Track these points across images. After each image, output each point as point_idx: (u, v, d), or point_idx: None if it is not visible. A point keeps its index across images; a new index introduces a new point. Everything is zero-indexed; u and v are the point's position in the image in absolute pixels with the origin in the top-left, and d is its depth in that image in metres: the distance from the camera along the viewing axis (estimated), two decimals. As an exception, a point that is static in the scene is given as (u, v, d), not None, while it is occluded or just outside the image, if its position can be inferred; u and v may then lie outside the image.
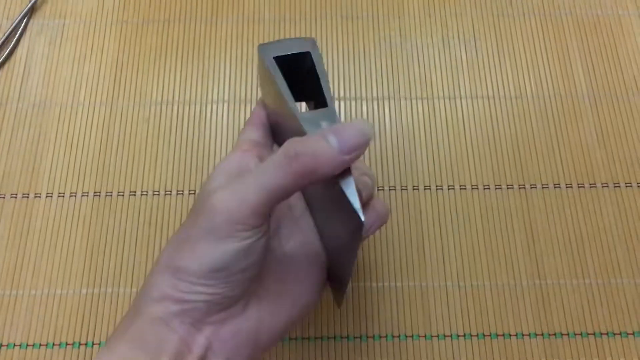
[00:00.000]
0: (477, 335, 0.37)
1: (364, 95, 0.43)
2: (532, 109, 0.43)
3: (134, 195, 0.40)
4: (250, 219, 0.23)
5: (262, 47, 0.27)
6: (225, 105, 0.43)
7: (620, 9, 0.46)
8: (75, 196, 0.40)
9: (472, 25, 0.46)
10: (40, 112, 0.43)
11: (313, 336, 0.37)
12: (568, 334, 0.37)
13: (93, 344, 0.36)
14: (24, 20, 0.45)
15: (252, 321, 0.26)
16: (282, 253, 0.28)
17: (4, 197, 0.40)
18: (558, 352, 0.36)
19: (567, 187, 0.41)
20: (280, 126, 0.30)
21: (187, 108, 0.43)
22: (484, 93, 0.43)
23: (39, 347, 0.36)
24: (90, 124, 0.42)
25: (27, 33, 0.45)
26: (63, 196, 0.40)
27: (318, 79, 0.26)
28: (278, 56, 0.26)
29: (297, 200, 0.30)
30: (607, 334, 0.37)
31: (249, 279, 0.25)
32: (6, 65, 0.44)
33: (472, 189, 0.41)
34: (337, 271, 0.28)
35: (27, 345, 0.36)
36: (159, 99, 0.43)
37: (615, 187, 0.41)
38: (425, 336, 0.37)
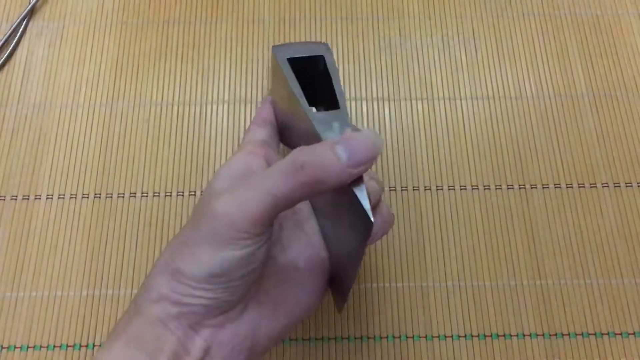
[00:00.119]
0: (478, 335, 0.37)
1: (364, 95, 0.43)
2: (532, 109, 0.43)
3: (134, 196, 0.40)
4: (252, 228, 0.23)
5: (276, 49, 0.27)
6: (225, 105, 0.43)
7: (619, 9, 0.46)
8: (75, 198, 0.40)
9: (471, 26, 0.46)
10: (40, 113, 0.43)
11: (314, 337, 0.37)
12: (569, 334, 0.37)
13: (94, 345, 0.36)
14: (24, 22, 0.45)
15: (250, 324, 0.26)
16: (284, 257, 0.27)
17: (4, 199, 0.40)
18: (559, 352, 0.36)
19: (567, 187, 0.41)
20: (290, 126, 0.30)
21: (187, 109, 0.43)
22: (484, 93, 0.43)
23: (40, 349, 0.36)
24: (90, 126, 0.42)
25: (27, 35, 0.45)
26: (63, 198, 0.40)
27: (330, 82, 0.26)
28: (292, 58, 0.26)
29: (302, 204, 0.29)
30: (608, 334, 0.37)
31: (248, 284, 0.25)
32: (6, 67, 0.44)
33: (473, 189, 0.41)
34: (341, 277, 0.28)
35: (28, 347, 0.36)
36: (159, 99, 0.43)
37: (615, 187, 0.41)
38: (426, 337, 0.37)
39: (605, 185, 0.41)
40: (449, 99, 0.43)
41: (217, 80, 0.44)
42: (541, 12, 0.46)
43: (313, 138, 0.25)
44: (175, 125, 0.43)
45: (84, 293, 0.38)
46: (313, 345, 0.37)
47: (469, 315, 0.37)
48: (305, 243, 0.28)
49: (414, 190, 0.41)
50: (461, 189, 0.41)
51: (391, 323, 0.37)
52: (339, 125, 0.25)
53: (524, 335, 0.37)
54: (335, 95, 0.26)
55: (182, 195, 0.40)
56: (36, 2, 0.46)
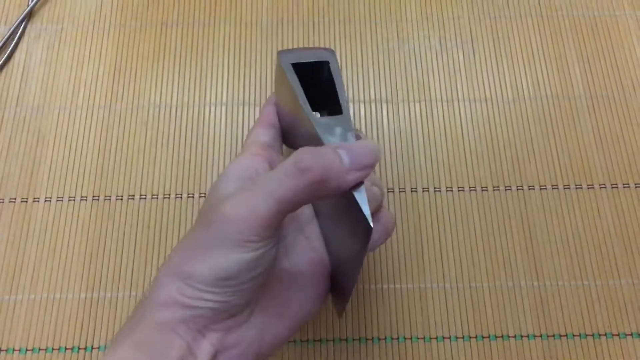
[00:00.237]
0: (476, 337, 0.37)
1: (362, 97, 0.43)
2: (530, 110, 0.43)
3: (133, 199, 0.40)
4: (262, 231, 0.23)
5: (282, 54, 0.27)
6: (224, 108, 0.43)
7: (617, 10, 0.46)
8: (74, 200, 0.40)
9: (469, 28, 0.46)
10: (39, 116, 0.43)
11: (312, 339, 0.37)
12: (567, 335, 0.37)
13: (92, 348, 0.36)
14: (22, 25, 0.45)
15: (257, 329, 0.26)
16: (287, 262, 0.28)
17: (2, 202, 0.40)
18: (557, 353, 0.36)
19: (565, 189, 0.41)
20: (293, 129, 0.30)
21: (185, 111, 0.43)
22: (482, 95, 0.44)
23: (38, 352, 0.36)
24: (89, 128, 0.43)
25: (25, 38, 0.46)
26: (62, 200, 0.40)
27: (334, 87, 0.26)
28: (296, 63, 0.27)
29: (304, 208, 0.29)
30: (605, 334, 0.37)
31: (256, 287, 0.25)
32: (4, 70, 0.44)
33: (470, 190, 0.41)
34: (341, 281, 0.28)
35: (26, 350, 0.36)
36: (157, 102, 0.43)
37: (613, 188, 0.41)
38: (424, 338, 0.37)
39: (603, 186, 0.41)
40: (447, 101, 0.43)
41: (216, 82, 0.44)
42: (539, 13, 0.46)
43: (316, 142, 0.25)
44: (174, 127, 0.43)
45: (83, 296, 0.38)
46: (311, 346, 0.37)
47: (467, 317, 0.37)
48: (307, 247, 0.28)
49: (412, 191, 0.41)
50: (459, 191, 0.41)
51: (389, 324, 0.37)
52: (342, 130, 0.25)
53: (521, 337, 0.37)
54: (339, 100, 0.26)
55: (181, 197, 0.40)
56: (34, 5, 0.46)
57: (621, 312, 0.37)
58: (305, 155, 0.23)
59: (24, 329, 0.37)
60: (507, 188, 0.41)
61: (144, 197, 0.40)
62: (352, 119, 0.26)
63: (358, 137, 0.26)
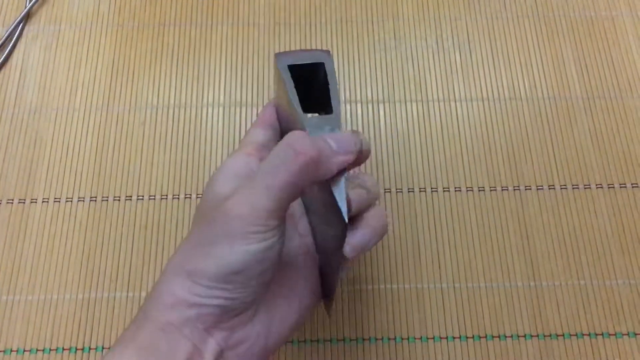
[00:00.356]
0: (473, 337, 0.37)
1: (358, 98, 0.44)
2: (527, 110, 0.43)
3: (130, 199, 0.40)
4: (267, 220, 0.24)
5: (279, 56, 0.28)
6: (221, 109, 0.43)
7: (613, 11, 0.46)
8: (71, 201, 0.40)
9: (466, 28, 0.46)
10: (36, 117, 0.43)
11: (309, 339, 0.37)
12: (563, 335, 0.37)
13: (90, 349, 0.36)
14: (20, 26, 0.45)
15: (261, 327, 0.26)
16: (287, 256, 0.28)
17: (0, 203, 0.40)
18: (553, 353, 0.36)
19: (561, 189, 0.41)
20: (291, 130, 0.30)
21: (182, 112, 0.43)
22: (478, 95, 0.44)
23: (36, 353, 0.36)
24: (86, 129, 0.43)
25: (23, 39, 0.46)
26: (59, 201, 0.40)
27: (328, 88, 0.27)
28: (292, 65, 0.27)
29: (295, 205, 0.30)
30: (602, 334, 0.37)
31: (264, 283, 0.25)
32: (2, 71, 0.44)
33: (467, 190, 0.41)
34: (327, 279, 0.28)
35: (24, 350, 0.36)
36: (155, 103, 0.43)
37: (609, 188, 0.41)
38: (420, 338, 0.37)
39: (599, 186, 0.41)
40: (444, 101, 0.43)
41: (213, 83, 0.44)
42: (535, 14, 0.46)
43: None
44: (171, 128, 0.43)
45: (80, 296, 0.38)
46: (309, 347, 0.37)
47: (464, 317, 0.37)
48: (300, 243, 0.29)
49: (408, 192, 0.41)
50: (456, 191, 0.41)
51: (386, 325, 0.37)
52: (330, 129, 0.26)
53: (518, 337, 0.37)
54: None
55: (178, 198, 0.40)
56: (32, 6, 0.46)
57: (618, 312, 0.37)
58: (297, 137, 0.24)
59: (21, 329, 0.37)
60: (503, 188, 0.41)
61: (141, 197, 0.40)
62: (341, 118, 0.27)
63: None
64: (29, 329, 0.37)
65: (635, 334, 0.37)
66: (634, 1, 0.47)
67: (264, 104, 0.43)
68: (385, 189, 0.41)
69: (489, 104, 0.43)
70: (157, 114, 0.43)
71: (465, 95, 0.44)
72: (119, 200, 0.40)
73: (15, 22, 0.45)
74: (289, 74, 0.27)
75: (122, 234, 0.39)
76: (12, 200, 0.40)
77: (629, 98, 0.43)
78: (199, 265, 0.24)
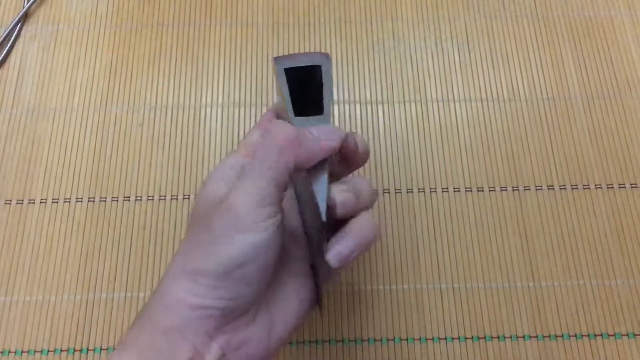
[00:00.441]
0: (472, 337, 0.37)
1: (357, 98, 0.43)
2: (525, 110, 0.43)
3: (128, 200, 0.40)
4: (263, 210, 0.24)
5: (277, 59, 0.28)
6: (219, 109, 0.43)
7: (612, 10, 0.46)
8: (69, 202, 0.40)
9: (464, 28, 0.46)
10: (34, 117, 0.43)
11: (308, 340, 0.37)
12: (562, 336, 0.37)
13: (88, 350, 0.36)
14: (18, 26, 0.45)
15: (263, 328, 0.26)
16: (286, 255, 0.28)
17: (-2, 204, 0.40)
18: (552, 354, 0.36)
19: (560, 189, 0.41)
20: None
21: (181, 112, 0.43)
22: (477, 95, 0.44)
23: (34, 354, 0.36)
24: (84, 129, 0.43)
25: (21, 39, 0.45)
26: (57, 202, 0.40)
27: (322, 89, 0.27)
28: (289, 68, 0.27)
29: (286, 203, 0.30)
30: (601, 335, 0.37)
31: (264, 280, 0.25)
32: (0, 72, 0.44)
33: (466, 191, 0.41)
34: (314, 271, 0.29)
35: (22, 351, 0.36)
36: (153, 103, 0.43)
37: (608, 188, 0.41)
38: (419, 339, 0.37)
39: (599, 186, 0.41)
40: (443, 101, 0.43)
41: (211, 84, 0.44)
42: (534, 14, 0.46)
43: None
44: (170, 128, 0.43)
45: (78, 297, 0.38)
46: (307, 348, 0.37)
47: (463, 318, 0.37)
48: (294, 241, 0.29)
49: (407, 192, 0.41)
50: (455, 191, 0.41)
51: (385, 325, 0.37)
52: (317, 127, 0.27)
53: (517, 337, 0.37)
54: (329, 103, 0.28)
55: (176, 198, 0.40)
56: (30, 6, 0.46)
57: (617, 313, 0.37)
58: (275, 122, 0.26)
59: (19, 330, 0.37)
60: (502, 188, 0.41)
61: (139, 198, 0.40)
62: (330, 118, 0.28)
63: None
64: (27, 330, 0.37)
65: (635, 335, 0.37)
66: (632, 1, 0.47)
67: (263, 105, 0.43)
68: (384, 190, 0.41)
69: (487, 104, 0.43)
70: (155, 114, 0.43)
71: (464, 95, 0.44)
72: (117, 200, 0.40)
73: (13, 22, 0.45)
74: (284, 78, 0.27)
75: (120, 234, 0.39)
76: (10, 200, 0.40)
77: (628, 98, 0.43)
78: (199, 264, 0.24)
